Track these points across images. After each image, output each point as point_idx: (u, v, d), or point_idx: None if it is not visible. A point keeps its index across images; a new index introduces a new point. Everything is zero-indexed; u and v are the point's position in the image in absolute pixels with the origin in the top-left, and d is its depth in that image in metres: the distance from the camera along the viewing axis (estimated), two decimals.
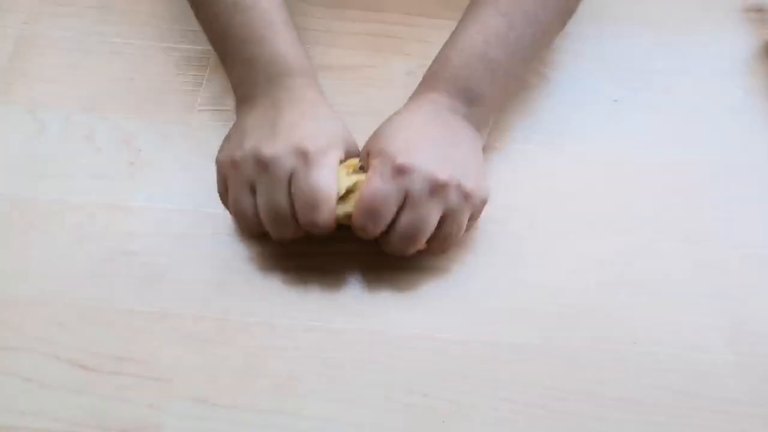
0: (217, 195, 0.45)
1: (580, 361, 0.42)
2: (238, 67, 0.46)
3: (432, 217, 0.40)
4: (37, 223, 0.46)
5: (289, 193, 0.40)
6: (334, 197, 0.40)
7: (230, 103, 0.52)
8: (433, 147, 0.41)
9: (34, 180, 0.48)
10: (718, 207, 0.48)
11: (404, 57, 0.55)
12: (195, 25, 0.56)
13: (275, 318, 0.43)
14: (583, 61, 0.55)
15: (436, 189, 0.40)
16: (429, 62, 0.50)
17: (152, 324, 0.42)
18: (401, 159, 0.40)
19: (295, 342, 0.42)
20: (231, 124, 0.51)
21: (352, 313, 0.43)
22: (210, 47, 0.51)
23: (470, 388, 0.41)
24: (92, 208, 0.47)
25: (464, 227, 0.43)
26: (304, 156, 0.40)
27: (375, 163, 0.41)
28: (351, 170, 0.42)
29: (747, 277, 0.45)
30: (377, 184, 0.40)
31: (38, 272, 0.44)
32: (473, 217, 0.43)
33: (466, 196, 0.41)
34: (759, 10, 0.59)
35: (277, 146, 0.40)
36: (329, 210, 0.40)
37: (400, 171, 0.40)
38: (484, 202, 0.44)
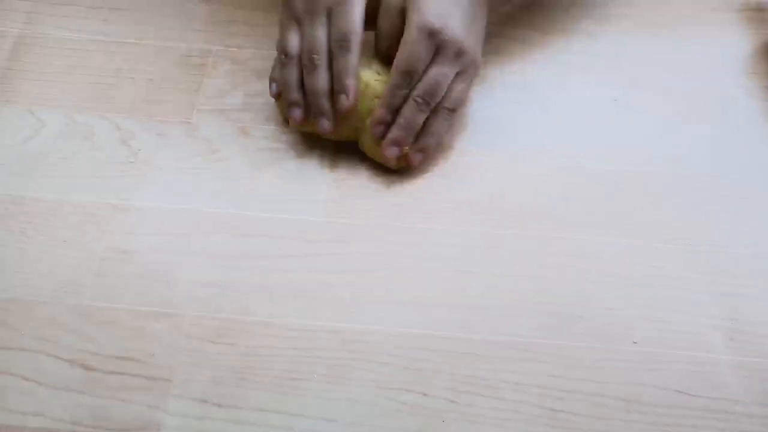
0: (216, 192, 0.45)
1: (580, 360, 0.42)
2: None
3: (451, 75, 0.46)
4: (37, 223, 0.46)
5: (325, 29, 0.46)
6: (359, 37, 0.46)
7: (230, 101, 0.52)
8: (462, 14, 0.46)
9: (33, 179, 0.48)
10: (718, 207, 0.48)
11: None
12: (195, 24, 0.56)
13: (275, 318, 0.43)
14: (582, 61, 0.55)
15: (460, 53, 0.46)
16: None
17: (152, 324, 0.42)
18: (434, 21, 0.45)
19: (295, 342, 0.42)
20: (231, 124, 0.51)
21: (352, 313, 0.43)
22: (210, 46, 0.51)
23: (470, 387, 0.41)
24: (92, 207, 0.47)
25: (463, 92, 0.48)
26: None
27: (409, 24, 0.45)
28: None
29: (747, 277, 0.45)
30: (414, 43, 0.45)
31: (38, 272, 0.44)
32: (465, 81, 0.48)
33: (474, 64, 0.47)
34: (758, 9, 0.59)
35: None
36: (357, 44, 0.46)
37: (433, 34, 0.45)
38: (477, 71, 0.49)
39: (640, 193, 0.48)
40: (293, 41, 0.47)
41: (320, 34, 0.46)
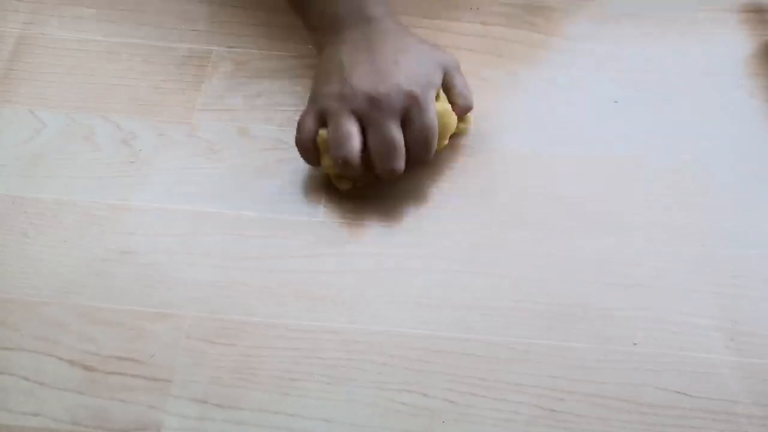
0: (216, 193, 0.45)
1: (580, 361, 0.42)
2: (320, 4, 0.48)
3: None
4: (37, 223, 0.46)
5: (400, 130, 0.44)
6: (437, 133, 0.45)
7: (231, 102, 0.52)
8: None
9: (33, 179, 0.48)
10: (718, 207, 0.48)
11: None
12: (195, 25, 0.56)
13: (275, 318, 0.43)
14: (583, 62, 0.55)
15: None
16: None
17: (152, 324, 0.42)
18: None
19: (295, 342, 0.42)
20: (231, 124, 0.51)
21: (352, 313, 0.43)
22: (210, 47, 0.51)
23: (470, 388, 0.41)
24: (92, 207, 0.47)
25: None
26: (414, 98, 0.44)
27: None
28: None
29: (747, 278, 0.45)
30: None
31: (38, 272, 0.44)
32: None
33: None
34: (758, 10, 0.59)
35: (387, 85, 0.44)
36: (435, 143, 0.45)
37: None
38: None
39: (640, 194, 0.48)
40: (353, 135, 0.44)
41: (396, 134, 0.44)
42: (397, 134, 0.44)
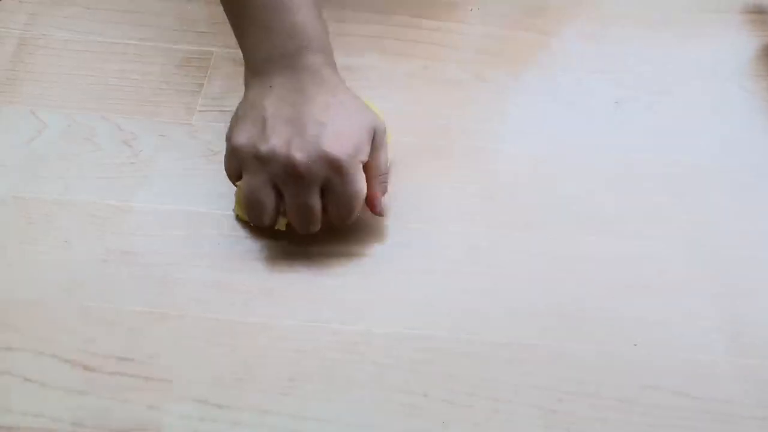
0: (216, 194, 0.45)
1: (580, 362, 0.42)
2: (254, 34, 0.44)
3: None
4: (37, 223, 0.46)
5: (320, 196, 0.42)
6: (363, 199, 0.43)
7: (231, 103, 0.52)
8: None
9: (34, 179, 0.48)
10: (719, 208, 0.48)
11: (406, 58, 0.55)
12: (196, 25, 0.56)
13: (275, 318, 0.43)
14: (584, 64, 0.55)
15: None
16: (432, 63, 0.50)
17: (152, 324, 0.42)
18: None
19: (295, 342, 0.42)
20: None
21: (352, 313, 0.43)
22: (211, 48, 0.51)
23: (470, 389, 0.41)
24: (93, 208, 0.47)
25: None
26: (337, 168, 0.41)
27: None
28: None
29: (747, 279, 0.45)
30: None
31: (38, 272, 0.44)
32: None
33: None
34: (759, 11, 0.59)
35: (308, 152, 0.40)
36: (359, 209, 0.43)
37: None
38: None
39: (640, 194, 0.48)
40: (269, 202, 0.43)
41: (313, 203, 0.42)
42: (315, 203, 0.42)
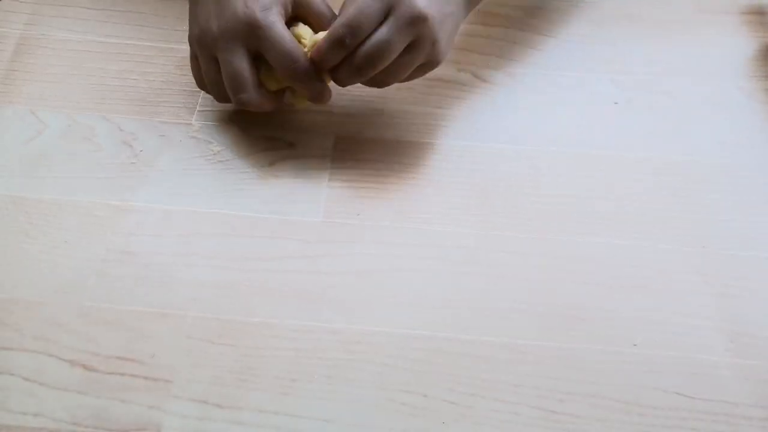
0: (216, 194, 0.45)
1: (580, 362, 0.42)
2: None
3: (401, 43, 0.42)
4: (37, 223, 0.46)
5: (250, 58, 0.44)
6: (298, 47, 0.44)
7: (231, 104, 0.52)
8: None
9: (34, 180, 0.48)
10: (719, 209, 0.48)
11: None
12: None
13: (275, 318, 0.43)
14: (583, 64, 0.55)
15: (416, 20, 0.42)
16: None
17: (152, 324, 0.42)
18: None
19: (295, 342, 0.42)
20: (231, 124, 0.51)
21: (352, 313, 0.43)
22: None
23: (470, 389, 0.41)
24: (93, 208, 0.47)
25: (409, 70, 0.45)
26: (253, 23, 0.43)
27: None
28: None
29: (747, 279, 0.45)
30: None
31: (38, 272, 0.44)
32: (423, 70, 0.46)
33: (433, 43, 0.43)
34: (759, 12, 0.59)
35: (225, 18, 0.43)
36: (302, 55, 0.44)
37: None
38: (439, 63, 0.46)
39: (640, 195, 0.48)
40: (216, 77, 0.46)
41: (238, 65, 0.44)
42: (240, 64, 0.44)
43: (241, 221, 0.47)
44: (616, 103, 0.53)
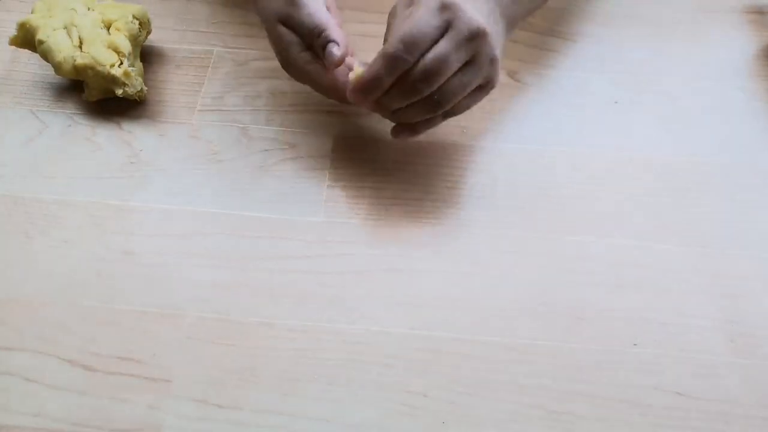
0: (216, 193, 0.45)
1: (580, 362, 0.42)
2: None
3: (459, 60, 0.41)
4: (37, 223, 0.46)
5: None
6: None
7: (231, 103, 0.52)
8: (484, 5, 0.42)
9: (35, 180, 0.48)
10: (719, 208, 0.48)
11: None
12: (196, 25, 0.56)
13: (275, 318, 0.43)
14: (583, 64, 0.55)
15: (476, 35, 0.40)
16: None
17: (152, 324, 0.42)
18: None
19: (295, 343, 0.42)
20: (231, 124, 0.51)
21: (352, 313, 0.43)
22: (211, 48, 0.51)
23: (470, 389, 0.41)
24: (93, 208, 0.47)
25: (467, 90, 0.42)
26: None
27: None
28: None
29: (747, 278, 0.45)
30: (423, 15, 0.40)
31: (38, 272, 0.44)
32: (480, 93, 0.44)
33: (491, 60, 0.42)
34: (759, 12, 0.59)
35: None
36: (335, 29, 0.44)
37: (447, 7, 0.40)
38: (495, 83, 0.44)
39: (640, 195, 0.48)
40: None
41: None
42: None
43: (240, 221, 0.47)
44: (616, 102, 0.53)
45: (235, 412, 0.40)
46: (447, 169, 0.49)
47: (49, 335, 0.42)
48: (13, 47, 0.52)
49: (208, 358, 0.41)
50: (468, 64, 0.41)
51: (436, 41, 0.40)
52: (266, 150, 0.50)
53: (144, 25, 0.52)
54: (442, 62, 0.40)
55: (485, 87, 0.44)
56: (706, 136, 0.51)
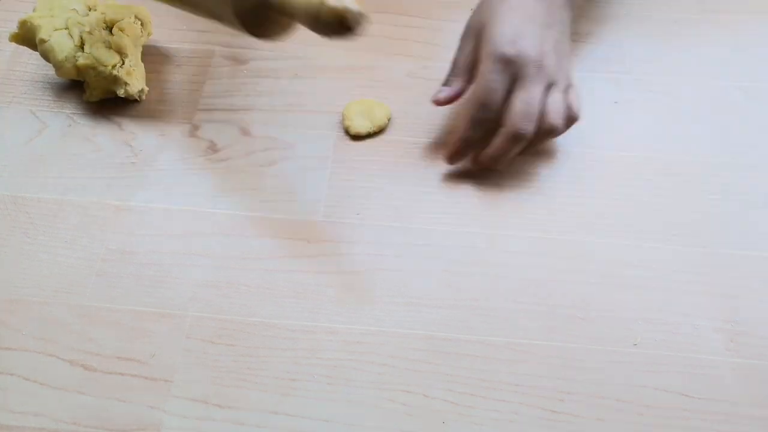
0: (216, 194, 0.45)
1: (580, 362, 0.42)
2: None
3: (540, 91, 0.44)
4: (38, 223, 0.46)
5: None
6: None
7: (231, 102, 0.52)
8: (535, 27, 0.45)
9: (34, 180, 0.48)
10: (719, 208, 0.48)
11: (406, 58, 0.55)
12: (196, 25, 0.56)
13: (275, 319, 0.43)
14: (583, 62, 0.55)
15: (541, 68, 0.44)
16: (431, 63, 0.50)
17: (153, 324, 0.42)
18: (507, 50, 0.44)
19: (295, 343, 0.42)
20: (231, 124, 0.51)
21: (352, 314, 0.43)
22: (211, 47, 0.51)
23: (470, 389, 0.41)
24: (93, 208, 0.47)
25: (566, 95, 0.46)
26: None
27: (483, 54, 0.45)
28: None
29: (747, 278, 0.45)
30: (487, 75, 0.44)
31: (39, 272, 0.44)
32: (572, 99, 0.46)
33: (560, 71, 0.46)
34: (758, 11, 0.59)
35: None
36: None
37: (508, 62, 0.44)
38: (571, 77, 0.47)
39: (640, 194, 0.48)
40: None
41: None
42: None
43: (240, 221, 0.47)
44: (616, 102, 0.53)
45: (235, 412, 0.40)
46: (445, 171, 0.49)
47: (50, 335, 0.42)
48: (14, 47, 0.52)
49: (209, 359, 0.41)
50: (549, 88, 0.45)
51: (508, 89, 0.45)
52: (266, 149, 0.50)
53: (145, 25, 0.52)
54: (526, 108, 0.44)
55: (569, 121, 0.47)
56: (705, 136, 0.51)
